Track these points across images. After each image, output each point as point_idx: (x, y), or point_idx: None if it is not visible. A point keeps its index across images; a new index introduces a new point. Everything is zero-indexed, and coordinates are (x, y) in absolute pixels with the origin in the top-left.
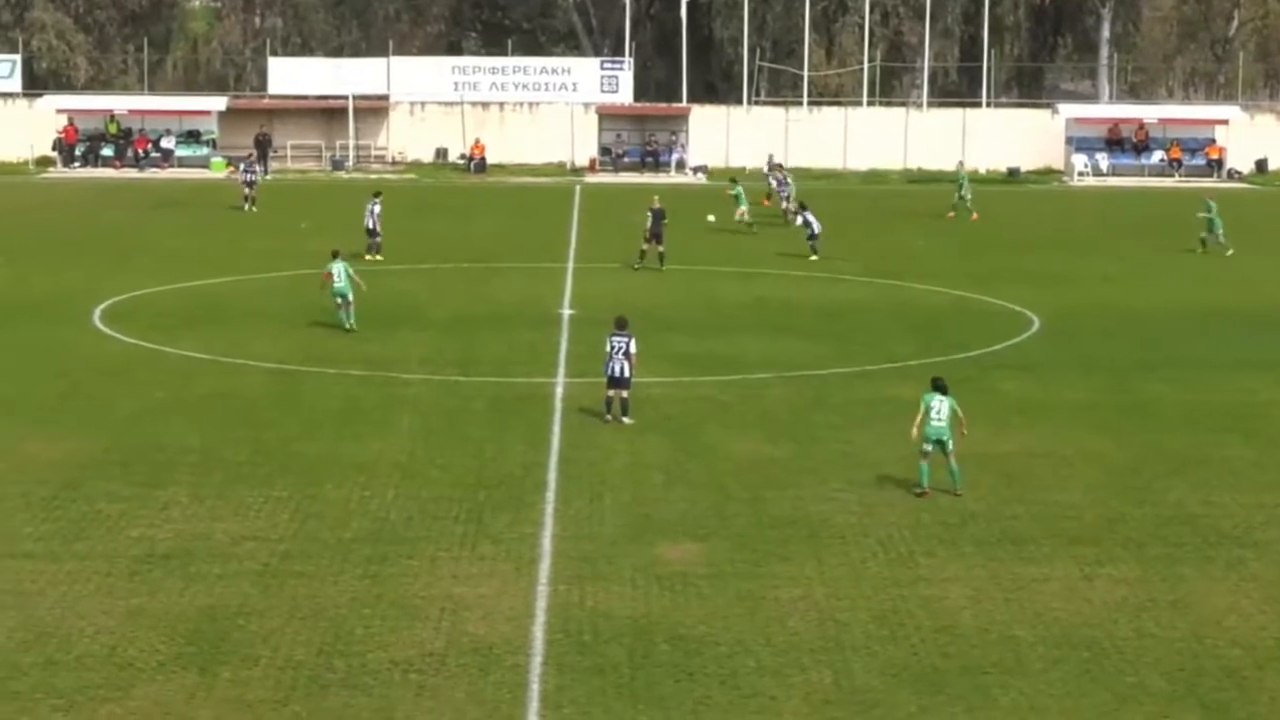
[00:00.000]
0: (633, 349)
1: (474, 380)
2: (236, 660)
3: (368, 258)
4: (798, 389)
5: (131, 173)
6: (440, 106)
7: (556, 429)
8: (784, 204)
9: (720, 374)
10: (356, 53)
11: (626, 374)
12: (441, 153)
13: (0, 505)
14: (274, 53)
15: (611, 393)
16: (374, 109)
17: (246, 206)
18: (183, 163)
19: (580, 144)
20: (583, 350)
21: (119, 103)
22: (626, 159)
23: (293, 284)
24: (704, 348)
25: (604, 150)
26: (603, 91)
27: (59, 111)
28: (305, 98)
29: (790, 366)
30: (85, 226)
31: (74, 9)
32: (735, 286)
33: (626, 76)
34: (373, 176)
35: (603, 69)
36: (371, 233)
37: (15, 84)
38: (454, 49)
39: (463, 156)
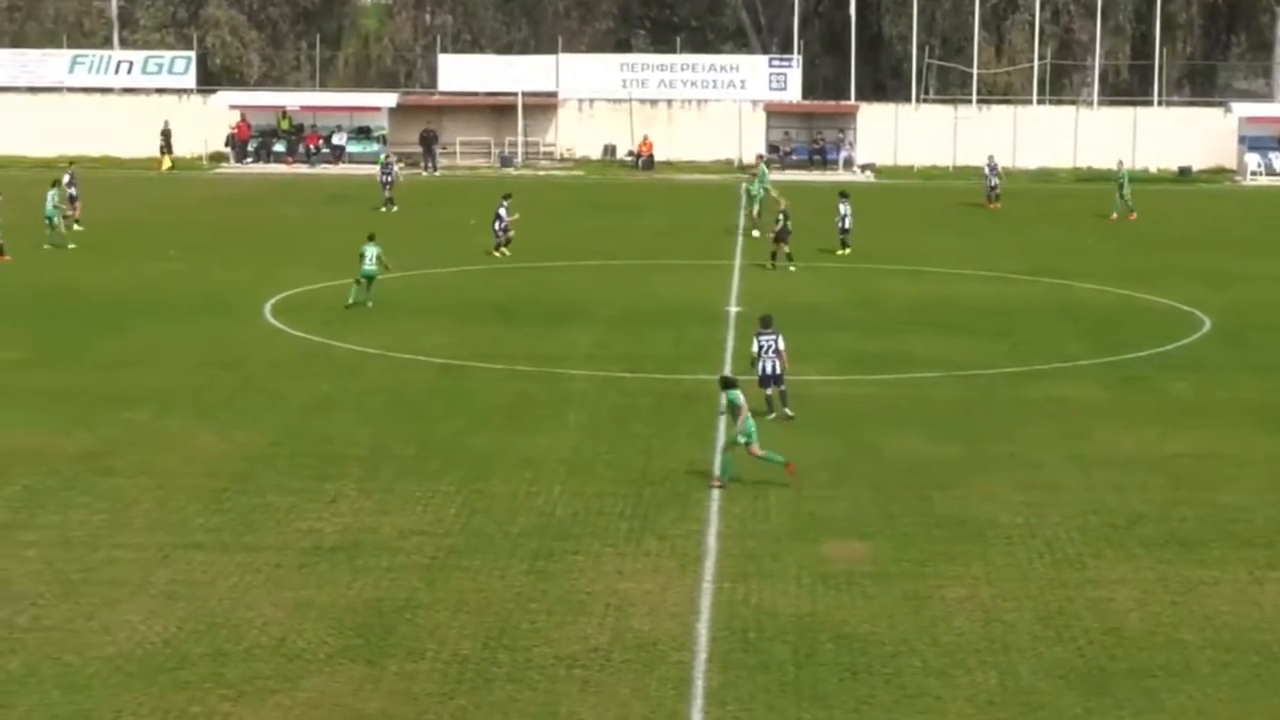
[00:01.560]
0: (780, 346)
1: (640, 377)
2: (403, 653)
3: (495, 254)
4: (964, 388)
5: (303, 169)
6: (609, 103)
7: (722, 426)
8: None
9: (886, 372)
10: (526, 50)
11: (779, 371)
12: (609, 149)
13: (172, 497)
14: (444, 50)
15: (770, 391)
16: (543, 106)
17: (385, 208)
18: (353, 159)
19: (748, 141)
20: (748, 348)
21: (291, 99)
22: (794, 156)
23: (461, 279)
24: (870, 346)
25: (771, 147)
26: (771, 89)
27: (232, 108)
28: (475, 94)
29: (957, 366)
30: (257, 222)
31: (248, 6)
32: (901, 284)
33: (795, 74)
34: (541, 173)
35: (771, 66)
36: (498, 231)
37: (190, 80)
38: (623, 46)
39: (631, 153)
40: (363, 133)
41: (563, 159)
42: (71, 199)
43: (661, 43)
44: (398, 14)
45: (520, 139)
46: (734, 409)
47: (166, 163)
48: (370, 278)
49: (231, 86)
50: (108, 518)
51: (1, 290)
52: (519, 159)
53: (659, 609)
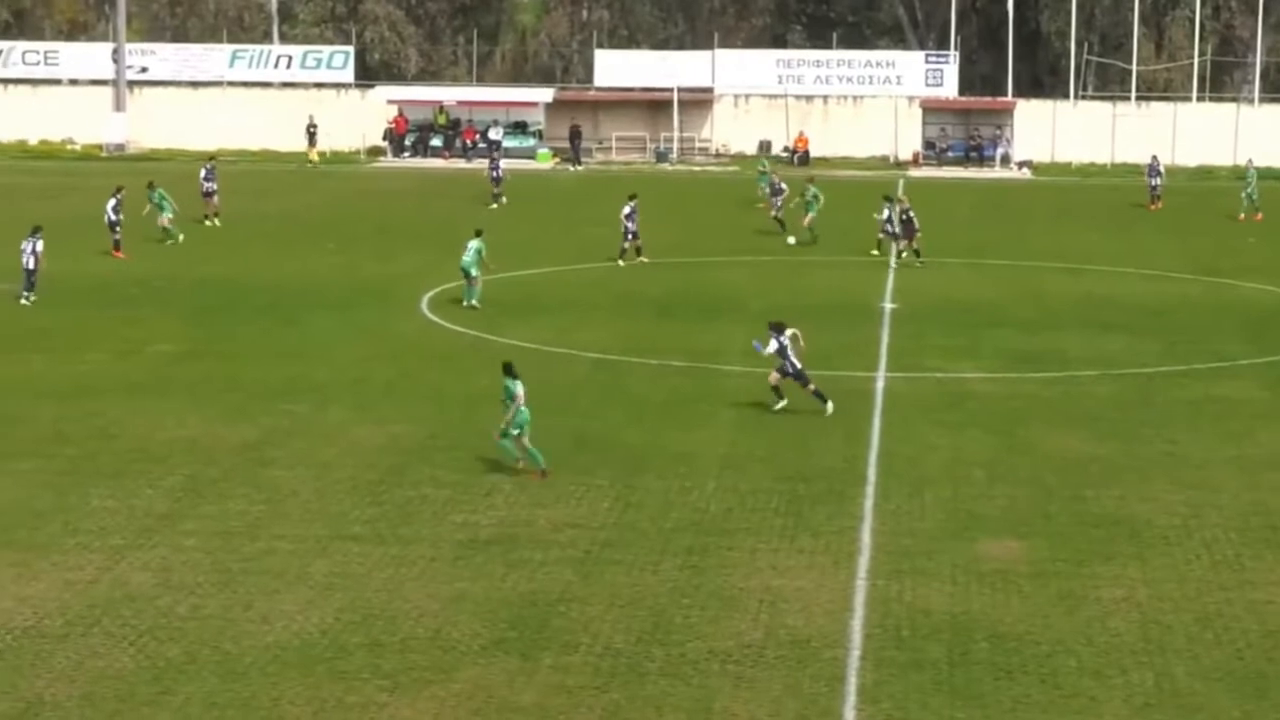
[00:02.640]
0: (786, 340)
1: None
2: (557, 646)
3: (620, 263)
4: (1123, 387)
5: (459, 163)
6: (764, 99)
7: (877, 423)
8: (775, 209)
9: (1045, 370)
10: (682, 45)
11: (801, 365)
12: (765, 145)
13: (330, 489)
14: (600, 45)
15: (812, 387)
16: (698, 101)
17: (494, 204)
18: (509, 154)
19: (904, 137)
20: (904, 345)
21: (448, 94)
22: (950, 153)
23: (616, 274)
24: (1030, 344)
25: (928, 144)
26: (927, 85)
27: (390, 102)
28: (631, 90)
29: (1116, 364)
30: (414, 215)
31: (406, 1)
32: (1060, 282)
33: (951, 70)
34: (696, 169)
35: (927, 62)
36: (625, 234)
37: (348, 75)
38: (779, 42)
39: (786, 149)
40: (519, 128)
41: (718, 155)
42: (209, 194)
43: (817, 38)
44: (554, 9)
45: (676, 134)
46: (509, 397)
47: (314, 156)
48: (466, 272)
49: (389, 81)
50: (266, 509)
51: (161, 283)
52: (674, 154)
53: (813, 605)
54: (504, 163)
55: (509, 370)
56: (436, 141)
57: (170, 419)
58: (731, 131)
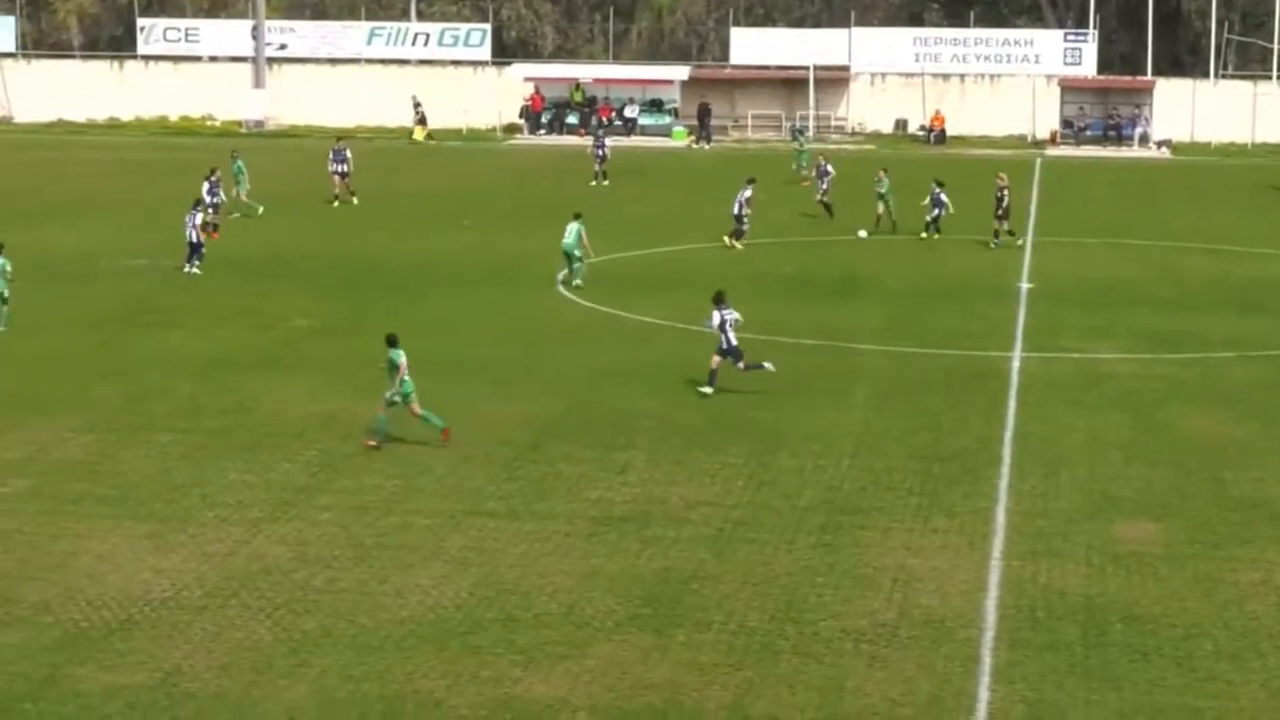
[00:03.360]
0: (739, 318)
1: (929, 352)
2: (690, 624)
3: (732, 243)
4: (1262, 369)
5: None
6: (900, 77)
7: (1012, 403)
8: (820, 193)
9: (1183, 351)
10: (818, 23)
11: (736, 343)
12: (901, 124)
13: (465, 464)
14: (736, 23)
15: (740, 364)
16: (834, 79)
17: (596, 182)
18: (645, 131)
19: (1041, 116)
20: (1040, 325)
21: (584, 71)
22: (1088, 132)
23: (749, 253)
24: (1167, 324)
25: (1065, 123)
26: (1065, 63)
27: (526, 79)
28: (766, 68)
29: (1255, 345)
30: (549, 193)
31: None
32: (1199, 262)
33: (1090, 48)
34: (831, 147)
35: (1066, 41)
36: (738, 219)
37: (485, 52)
38: (915, 20)
39: (922, 128)
40: (654, 105)
41: (854, 133)
42: (343, 175)
43: (954, 16)
44: None
45: (811, 112)
46: (393, 368)
47: (420, 133)
48: (568, 254)
49: (526, 59)
50: (401, 483)
51: (298, 260)
52: (810, 133)
53: (947, 586)
54: (610, 141)
55: (391, 341)
56: (572, 119)
57: (305, 394)
58: (867, 110)
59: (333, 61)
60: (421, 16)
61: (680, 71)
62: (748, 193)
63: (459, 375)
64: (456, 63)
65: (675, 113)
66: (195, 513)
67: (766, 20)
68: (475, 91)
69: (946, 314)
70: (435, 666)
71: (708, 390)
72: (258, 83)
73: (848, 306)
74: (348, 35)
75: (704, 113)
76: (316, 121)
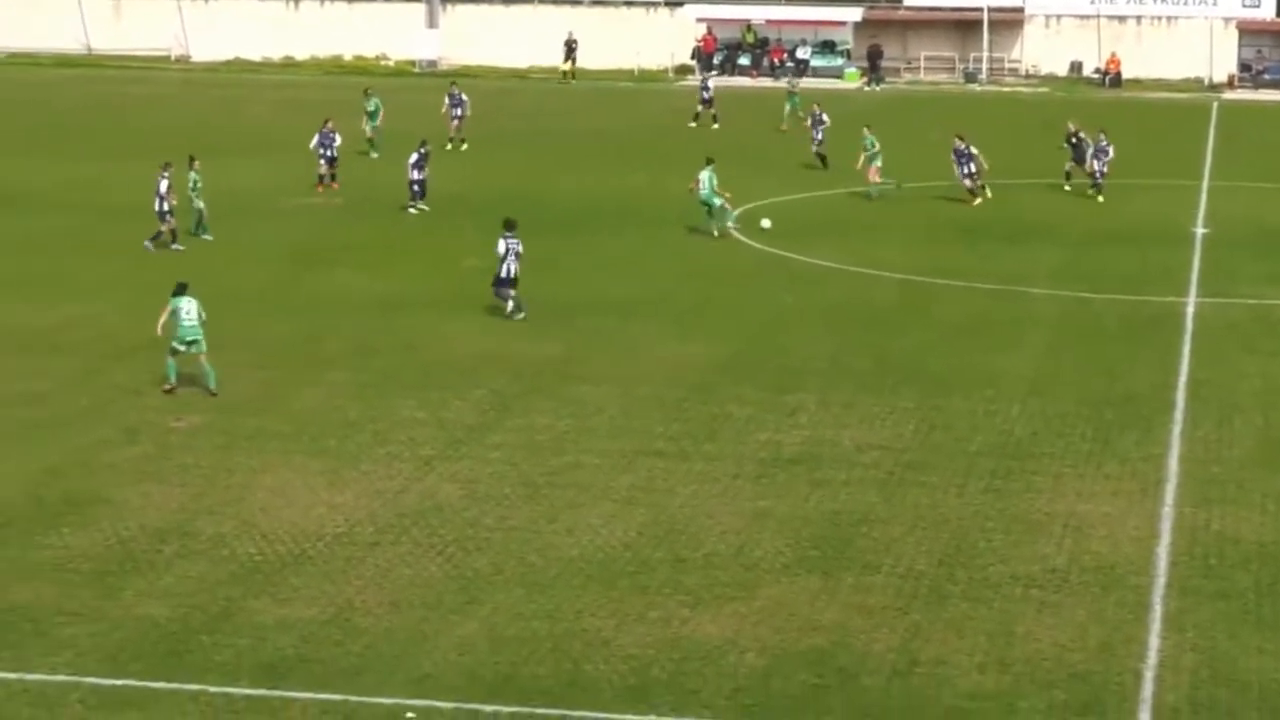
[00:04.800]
0: (521, 250)
1: (1104, 298)
2: (859, 567)
3: (977, 202)
4: None
5: (766, 82)
6: (1076, 19)
7: (1186, 350)
8: (815, 143)
9: None
10: None
11: (516, 275)
12: (1076, 66)
13: (635, 405)
14: None
15: (511, 293)
16: (1009, 21)
17: (694, 123)
18: (817, 73)
19: (1219, 60)
20: (1216, 270)
21: (757, 13)
22: (1267, 76)
23: (921, 196)
24: None
25: (1243, 66)
26: (1244, 6)
27: (699, 20)
28: (940, 9)
29: None
30: (720, 134)
31: None
32: None
33: None
34: (1005, 90)
35: None
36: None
37: None
38: None
39: (1097, 70)
40: (827, 47)
41: (1028, 76)
42: (459, 118)
43: None
44: None
45: (985, 55)
46: (174, 315)
47: (569, 71)
48: (707, 204)
49: (698, 0)
50: (572, 423)
51: (468, 200)
52: (983, 75)
53: (1118, 532)
54: (715, 81)
55: (178, 290)
56: (744, 60)
57: (476, 333)
58: (1042, 52)
59: (506, 2)
60: None
61: (853, 13)
62: (973, 148)
63: (632, 315)
64: (629, 3)
65: (847, 54)
66: (367, 450)
67: None
68: (647, 32)
69: (1120, 259)
70: (604, 605)
71: (518, 315)
72: (431, 22)
73: (1021, 251)
74: None
75: (875, 54)
76: (488, 62)
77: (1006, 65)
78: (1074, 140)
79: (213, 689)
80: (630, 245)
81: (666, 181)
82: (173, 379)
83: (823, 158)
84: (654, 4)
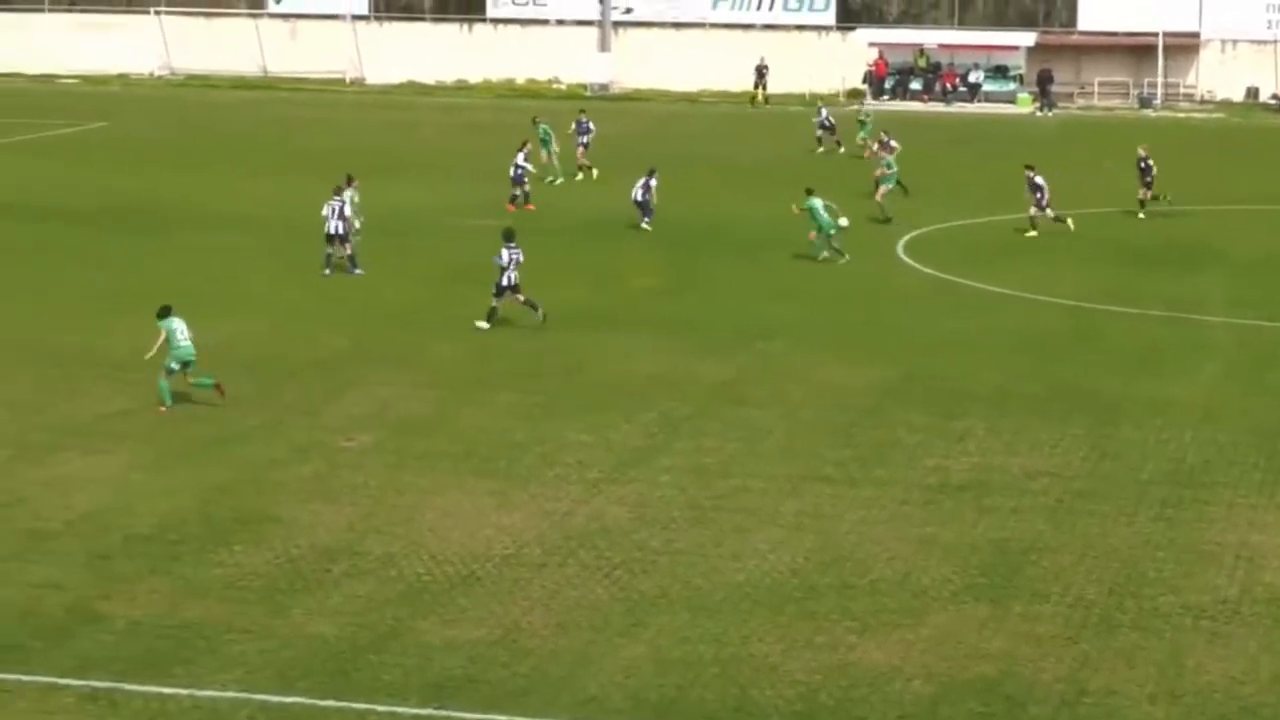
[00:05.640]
0: (521, 259)
1: (1277, 325)
2: (1027, 595)
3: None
4: None
5: (938, 107)
6: (1252, 44)
7: None
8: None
9: None
10: None
11: (517, 283)
12: (1252, 92)
13: (803, 430)
14: None
15: (512, 299)
16: (1184, 46)
17: (820, 148)
18: (989, 98)
19: None
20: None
21: (929, 37)
22: None
23: (1096, 222)
24: None
25: None
26: None
27: (870, 45)
28: (1114, 34)
29: None
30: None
31: None
32: None
33: None
34: (1180, 115)
35: None
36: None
37: (830, 17)
38: None
39: (1275, 96)
40: (999, 71)
41: (1203, 101)
42: (585, 145)
43: None
44: None
45: (1160, 80)
46: (170, 337)
47: (760, 97)
48: (827, 232)
49: (870, 24)
50: (740, 447)
51: (637, 220)
52: (1158, 100)
53: None
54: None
55: (164, 313)
56: (916, 85)
57: (645, 355)
58: (1217, 77)
59: (677, 25)
60: None
61: (1026, 37)
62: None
63: (800, 339)
64: (801, 27)
65: (1020, 79)
66: (536, 471)
67: None
68: (819, 56)
69: None
70: (770, 631)
71: (484, 325)
72: (603, 46)
73: (1195, 277)
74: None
75: (1045, 79)
76: (660, 85)
77: (1181, 90)
78: (1143, 165)
79: (380, 708)
80: (801, 267)
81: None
82: (168, 401)
83: (901, 184)
84: (826, 28)
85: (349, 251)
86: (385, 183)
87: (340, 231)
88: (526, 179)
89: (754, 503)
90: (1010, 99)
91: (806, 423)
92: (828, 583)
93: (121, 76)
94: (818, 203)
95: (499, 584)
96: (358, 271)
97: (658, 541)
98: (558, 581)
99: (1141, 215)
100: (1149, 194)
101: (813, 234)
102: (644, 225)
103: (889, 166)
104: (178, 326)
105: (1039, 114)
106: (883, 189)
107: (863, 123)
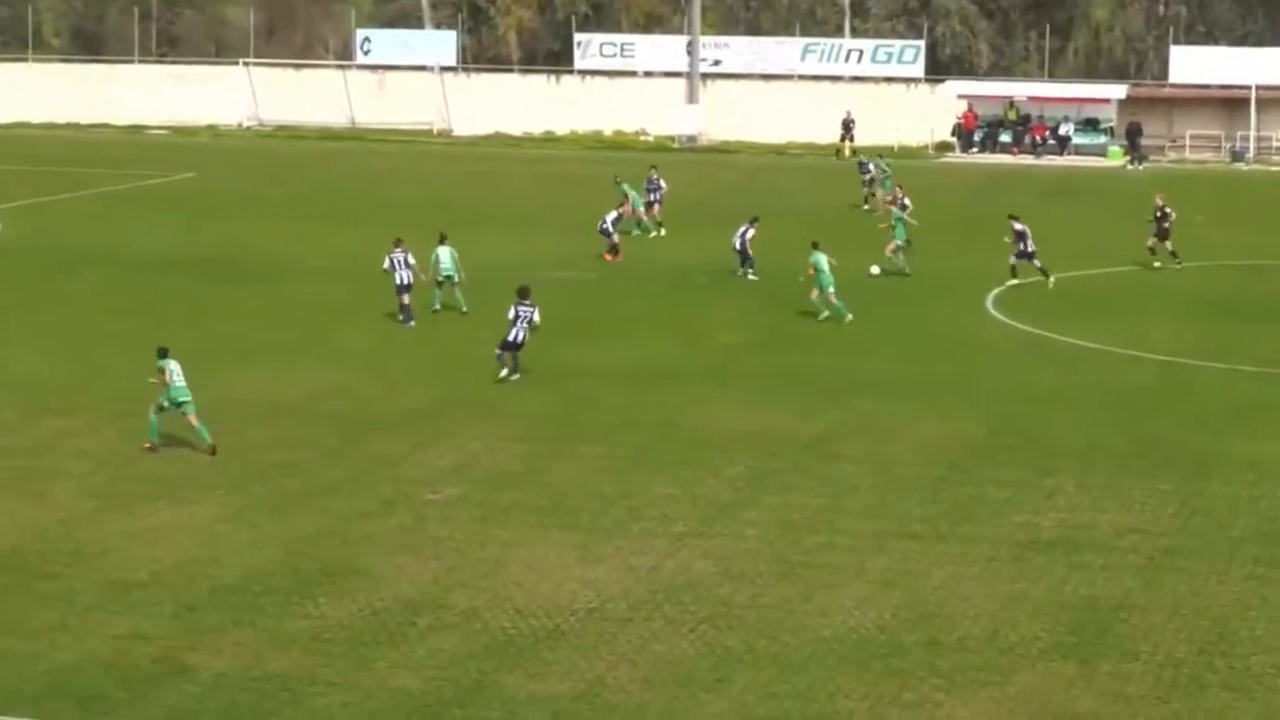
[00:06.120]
0: (536, 318)
1: None
2: (1117, 654)
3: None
4: None
5: (1028, 159)
6: None
7: None
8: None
9: None
10: (1261, 42)
11: (523, 340)
12: None
13: (891, 484)
14: (1176, 41)
15: (509, 354)
16: (1277, 100)
17: (868, 205)
18: (1079, 151)
19: None
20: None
21: (1018, 89)
22: None
23: (1186, 277)
24: None
25: None
26: None
27: (960, 97)
28: (1206, 87)
29: None
30: (981, 212)
31: None
32: None
33: None
34: (1272, 169)
35: None
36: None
37: (919, 69)
38: None
39: None
40: (1090, 124)
41: None
42: (657, 203)
43: None
44: (1130, 4)
45: (1253, 134)
46: (160, 374)
47: (845, 150)
48: (823, 289)
49: (959, 76)
50: (827, 502)
51: (725, 274)
52: (1250, 154)
53: None
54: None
55: (162, 353)
56: (1005, 137)
57: (734, 409)
58: None
59: (766, 77)
60: (855, 33)
61: (1117, 90)
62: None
63: (890, 394)
64: (889, 79)
65: (1110, 131)
66: (622, 525)
67: (1208, 38)
68: (907, 109)
69: None
70: (857, 688)
71: (512, 377)
72: (691, 98)
73: None
74: (781, 51)
75: (1134, 132)
76: (748, 137)
77: (1274, 144)
78: (1159, 214)
79: None
80: (893, 322)
81: (929, 259)
82: (154, 438)
83: (900, 240)
84: (914, 80)
85: (407, 301)
86: (473, 234)
87: (408, 282)
88: (614, 233)
89: (840, 558)
90: (1100, 152)
91: (895, 478)
92: (914, 639)
93: (210, 127)
94: (823, 259)
95: (583, 638)
96: (411, 324)
97: (743, 596)
98: (643, 636)
99: (1156, 264)
100: (1159, 243)
101: (814, 293)
102: (749, 276)
103: (897, 220)
104: (174, 367)
105: (1129, 167)
106: (892, 244)
107: (886, 176)
